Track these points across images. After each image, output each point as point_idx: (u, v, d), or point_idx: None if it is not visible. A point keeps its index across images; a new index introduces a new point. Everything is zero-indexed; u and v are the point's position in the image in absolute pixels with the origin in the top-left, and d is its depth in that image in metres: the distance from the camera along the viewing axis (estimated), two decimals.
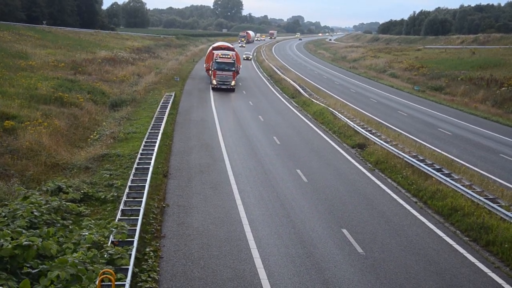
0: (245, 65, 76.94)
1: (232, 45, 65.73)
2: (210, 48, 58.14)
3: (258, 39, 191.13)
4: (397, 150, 26.46)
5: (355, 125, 32.96)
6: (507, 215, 17.95)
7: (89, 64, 54.03)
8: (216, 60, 49.11)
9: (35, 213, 14.73)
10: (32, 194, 16.84)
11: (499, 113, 45.14)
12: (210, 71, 52.42)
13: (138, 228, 15.08)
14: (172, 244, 15.52)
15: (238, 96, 48.04)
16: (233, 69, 49.70)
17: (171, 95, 41.67)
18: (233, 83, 49.55)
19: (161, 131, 28.17)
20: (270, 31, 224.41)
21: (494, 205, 18.82)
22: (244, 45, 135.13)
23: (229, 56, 49.72)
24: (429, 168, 23.27)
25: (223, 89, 49.77)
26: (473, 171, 24.89)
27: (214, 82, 49.26)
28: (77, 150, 25.03)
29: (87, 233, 13.90)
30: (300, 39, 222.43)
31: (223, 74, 49.05)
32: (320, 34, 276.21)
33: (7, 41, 57.49)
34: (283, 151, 27.71)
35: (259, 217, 18.03)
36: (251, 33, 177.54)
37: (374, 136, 30.14)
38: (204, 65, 58.17)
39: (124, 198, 17.75)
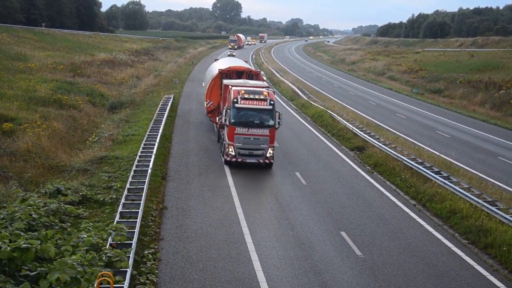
0: None
1: (247, 63, 37.29)
2: (216, 71, 30.26)
3: (249, 43, 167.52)
4: (395, 153, 26.48)
5: (354, 128, 32.98)
6: (505, 218, 17.97)
7: (88, 66, 54.03)
8: (236, 104, 23.66)
9: (33, 216, 14.72)
10: (30, 196, 16.83)
11: (498, 115, 45.17)
12: (218, 120, 28.25)
13: (136, 230, 15.08)
14: (171, 247, 15.50)
15: None
16: (271, 122, 23.88)
17: (170, 98, 41.64)
18: (270, 152, 23.98)
19: (159, 134, 28.14)
20: (260, 34, 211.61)
21: (493, 208, 18.85)
22: (234, 53, 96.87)
23: (261, 96, 23.84)
24: (427, 171, 23.29)
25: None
26: (472, 174, 24.92)
27: (231, 151, 23.91)
28: (76, 152, 25.00)
29: (85, 236, 13.89)
30: (306, 41, 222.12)
31: (251, 135, 23.69)
32: (312, 37, 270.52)
33: (6, 43, 57.48)
34: (282, 153, 27.69)
35: (257, 220, 18.02)
36: (242, 36, 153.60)
37: (373, 138, 30.16)
38: (205, 103, 31.32)
39: (123, 200, 17.74)
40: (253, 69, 33.94)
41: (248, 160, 23.89)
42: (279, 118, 24.02)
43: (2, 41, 57.94)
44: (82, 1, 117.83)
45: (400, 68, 78.99)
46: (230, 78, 28.95)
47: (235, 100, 23.66)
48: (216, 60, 39.57)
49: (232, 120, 23.65)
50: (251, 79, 29.26)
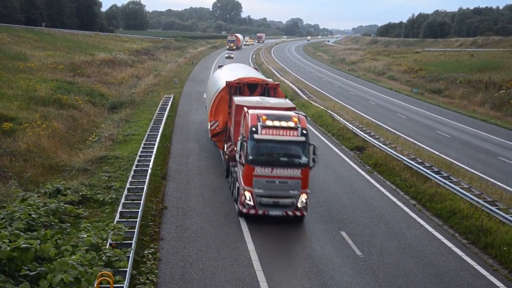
0: (241, 63, 76.18)
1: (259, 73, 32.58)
2: (223, 84, 24.06)
3: (247, 43, 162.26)
4: (395, 153, 26.48)
5: (354, 128, 32.99)
6: (505, 218, 17.97)
7: (88, 66, 54.05)
8: (256, 135, 17.44)
9: (33, 216, 14.76)
10: (30, 196, 16.85)
11: (498, 115, 45.17)
12: (227, 148, 22.72)
13: (136, 230, 15.08)
14: (171, 247, 15.50)
15: None
16: (303, 159, 17.72)
17: (170, 97, 41.69)
18: (302, 200, 17.67)
19: (159, 133, 28.15)
20: (258, 34, 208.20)
21: (493, 208, 18.85)
22: (232, 55, 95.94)
23: (290, 123, 17.61)
24: (427, 171, 23.29)
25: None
26: (472, 174, 24.91)
27: (249, 200, 17.59)
28: (76, 152, 25.01)
29: (85, 236, 13.92)
30: (308, 40, 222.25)
31: (276, 177, 17.50)
32: (309, 37, 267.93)
33: (6, 43, 57.49)
34: None
35: (257, 219, 17.99)
36: (240, 36, 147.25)
37: (373, 138, 30.16)
38: (209, 124, 24.52)
39: (123, 200, 17.75)
40: (269, 80, 25.92)
41: (273, 213, 17.52)
42: (314, 153, 17.67)
43: (2, 41, 57.94)
44: (82, 1, 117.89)
45: (400, 68, 79.00)
46: (241, 93, 23.28)
47: (253, 129, 17.28)
48: (220, 67, 33.07)
49: (250, 157, 17.25)
50: (267, 94, 23.56)
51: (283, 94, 24.94)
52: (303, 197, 17.50)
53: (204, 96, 31.26)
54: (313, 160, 17.71)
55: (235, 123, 20.64)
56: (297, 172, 17.41)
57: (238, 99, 21.25)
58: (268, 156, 17.49)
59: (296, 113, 18.63)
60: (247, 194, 17.42)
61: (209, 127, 24.38)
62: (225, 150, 22.69)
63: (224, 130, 23.46)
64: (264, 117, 17.41)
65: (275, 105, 20.54)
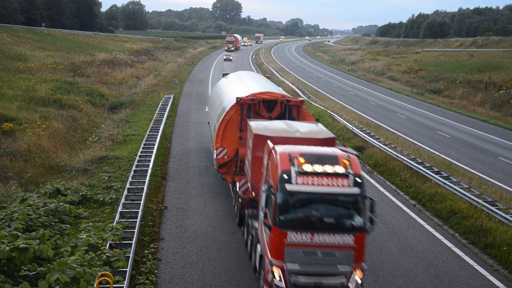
0: (241, 65, 76.58)
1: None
2: (232, 101, 18.88)
3: (245, 44, 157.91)
4: (395, 153, 26.49)
5: (353, 128, 33.00)
6: (505, 218, 17.98)
7: (88, 66, 54.07)
8: (289, 186, 11.61)
9: (32, 216, 14.78)
10: (30, 196, 16.87)
11: (498, 116, 45.17)
12: (239, 187, 17.07)
13: (136, 230, 15.09)
14: (171, 247, 15.51)
15: None
16: (357, 221, 12.03)
17: (170, 97, 41.72)
18: (356, 279, 11.87)
19: (159, 133, 28.17)
20: (256, 35, 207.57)
21: (493, 208, 18.86)
22: (231, 57, 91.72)
23: (337, 168, 11.80)
24: (427, 171, 23.29)
25: None
26: (472, 174, 24.90)
27: (279, 279, 11.72)
28: (76, 152, 25.01)
29: (84, 236, 13.94)
30: (309, 40, 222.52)
31: (318, 246, 11.82)
32: (308, 38, 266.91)
33: (5, 43, 57.50)
34: None
35: None
36: (238, 37, 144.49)
37: (373, 138, 30.18)
38: (214, 152, 19.39)
39: (123, 200, 17.76)
40: (290, 96, 20.08)
41: None
42: (371, 211, 12.27)
43: (2, 41, 57.95)
44: (82, 1, 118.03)
45: (400, 68, 78.97)
46: (255, 112, 18.47)
47: (285, 176, 11.77)
48: (224, 75, 27.63)
49: (281, 218, 11.78)
50: (289, 113, 18.56)
51: (310, 114, 19.67)
52: (358, 275, 11.99)
53: (207, 109, 27.95)
54: (371, 221, 12.24)
55: (254, 158, 14.95)
56: (348, 239, 11.98)
57: (256, 126, 15.50)
58: (306, 216, 11.91)
59: (342, 149, 12.92)
60: (276, 271, 11.82)
61: (214, 156, 19.32)
62: (237, 189, 17.33)
63: (234, 159, 18.46)
64: (301, 159, 11.82)
65: (308, 134, 15.00)
